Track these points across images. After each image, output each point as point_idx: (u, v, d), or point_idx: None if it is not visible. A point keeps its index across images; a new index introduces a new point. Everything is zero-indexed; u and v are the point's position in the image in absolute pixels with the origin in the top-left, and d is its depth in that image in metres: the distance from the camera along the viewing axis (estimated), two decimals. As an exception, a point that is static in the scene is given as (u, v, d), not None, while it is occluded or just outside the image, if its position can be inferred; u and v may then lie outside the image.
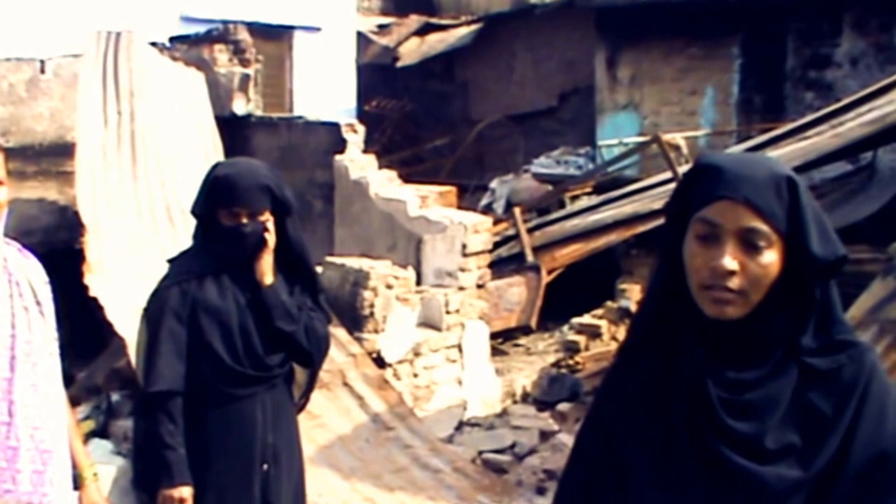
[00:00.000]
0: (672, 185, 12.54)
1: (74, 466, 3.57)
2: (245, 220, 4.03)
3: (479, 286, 9.12)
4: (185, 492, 4.03)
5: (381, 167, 10.63)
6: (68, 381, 6.31)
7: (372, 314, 7.80)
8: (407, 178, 11.49)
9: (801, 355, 2.02)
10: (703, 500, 2.02)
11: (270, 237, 4.08)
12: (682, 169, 13.10)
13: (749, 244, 1.97)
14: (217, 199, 4.06)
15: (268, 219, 4.07)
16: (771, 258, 1.97)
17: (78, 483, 3.58)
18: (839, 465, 1.98)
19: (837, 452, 1.98)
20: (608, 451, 2.18)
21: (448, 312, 8.56)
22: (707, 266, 1.98)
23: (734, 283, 1.96)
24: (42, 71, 8.75)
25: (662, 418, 2.09)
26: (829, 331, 2.03)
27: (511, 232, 12.83)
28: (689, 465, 2.03)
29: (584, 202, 14.07)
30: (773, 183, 1.98)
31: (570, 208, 13.90)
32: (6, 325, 3.22)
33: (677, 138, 15.02)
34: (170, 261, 4.31)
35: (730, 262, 1.95)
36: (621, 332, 10.91)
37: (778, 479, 1.97)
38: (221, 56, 11.37)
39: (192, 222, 4.30)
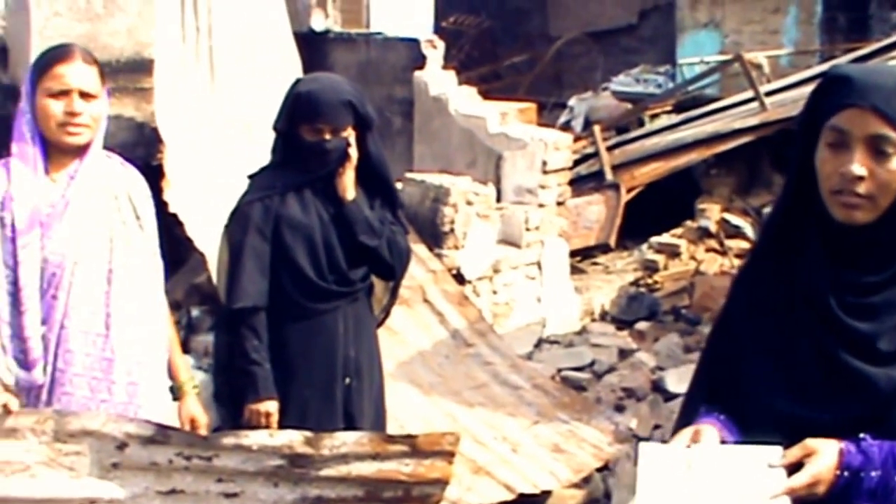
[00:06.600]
0: (753, 105, 12.37)
1: (174, 378, 3.62)
2: (328, 136, 4.02)
3: (559, 204, 9.04)
4: (272, 406, 4.06)
5: (459, 84, 10.53)
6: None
7: (452, 230, 7.77)
8: (485, 95, 11.38)
9: None
10: (818, 398, 2.08)
11: (353, 152, 4.07)
12: (764, 88, 12.84)
13: (877, 150, 2.00)
14: (300, 114, 4.05)
15: (350, 134, 4.05)
16: None
17: (177, 395, 3.63)
18: None
19: None
20: (733, 352, 2.26)
21: (528, 230, 8.51)
22: (837, 172, 2.03)
23: (863, 188, 2.01)
24: (121, -13, 8.73)
25: (785, 320, 2.16)
26: None
27: (590, 150, 12.68)
28: (806, 365, 2.11)
29: (664, 121, 13.84)
30: None
31: (649, 127, 13.69)
32: (104, 238, 3.25)
33: (759, 57, 14.68)
34: (250, 177, 4.31)
35: (858, 167, 2.00)
36: (700, 252, 10.81)
37: (888, 379, 2.02)
38: (299, -29, 11.29)
39: (269, 138, 4.29)
